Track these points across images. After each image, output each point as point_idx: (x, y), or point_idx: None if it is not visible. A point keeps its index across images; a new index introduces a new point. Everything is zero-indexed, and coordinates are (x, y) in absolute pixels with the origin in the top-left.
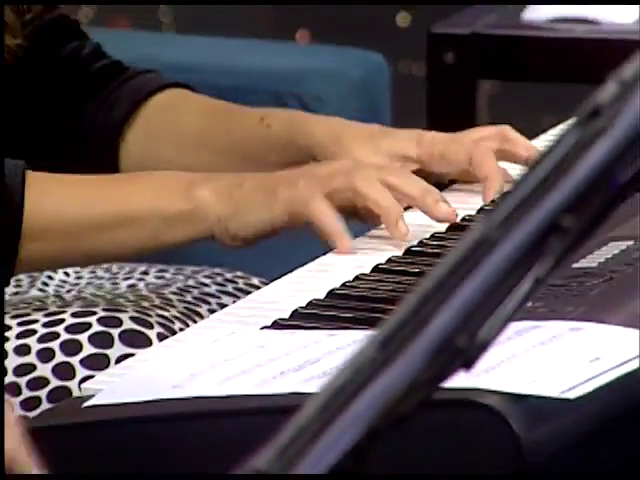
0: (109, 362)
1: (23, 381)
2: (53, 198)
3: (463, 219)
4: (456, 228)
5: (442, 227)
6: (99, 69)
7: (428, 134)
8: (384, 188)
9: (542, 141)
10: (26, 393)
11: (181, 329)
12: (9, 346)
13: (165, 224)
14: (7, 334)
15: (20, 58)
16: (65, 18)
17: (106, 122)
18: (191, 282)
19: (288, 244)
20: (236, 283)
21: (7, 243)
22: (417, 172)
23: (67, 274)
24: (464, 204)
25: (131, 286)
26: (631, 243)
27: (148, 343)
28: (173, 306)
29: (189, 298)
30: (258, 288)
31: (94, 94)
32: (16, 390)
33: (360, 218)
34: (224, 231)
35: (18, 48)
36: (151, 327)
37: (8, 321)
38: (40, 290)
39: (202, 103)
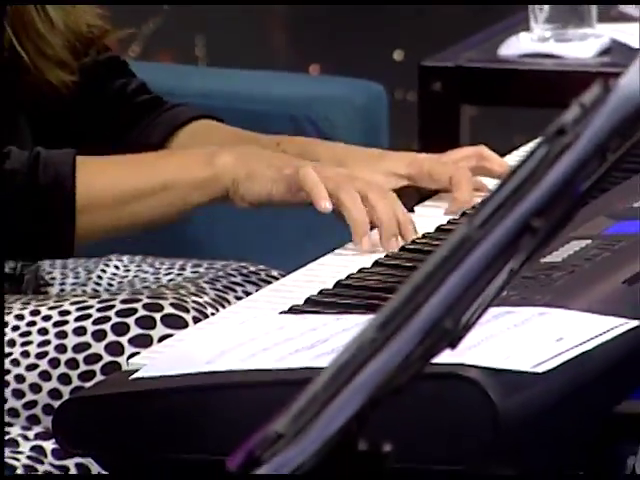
0: (152, 341)
1: (80, 357)
2: (100, 176)
3: (449, 222)
4: (443, 229)
5: (431, 228)
6: (142, 102)
7: (419, 156)
8: (359, 202)
9: (514, 157)
10: (83, 367)
11: (212, 313)
12: (69, 328)
13: (190, 188)
14: (66, 318)
15: (75, 91)
16: (116, 58)
17: (147, 145)
18: (221, 274)
19: (302, 242)
20: (259, 275)
21: (65, 219)
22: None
23: (117, 267)
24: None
25: (170, 280)
26: (589, 242)
27: (185, 325)
28: (206, 294)
29: (219, 287)
30: (277, 279)
31: (137, 122)
32: (74, 365)
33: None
34: (236, 191)
35: (73, 84)
36: (187, 312)
37: (67, 307)
38: (95, 283)
39: (227, 130)
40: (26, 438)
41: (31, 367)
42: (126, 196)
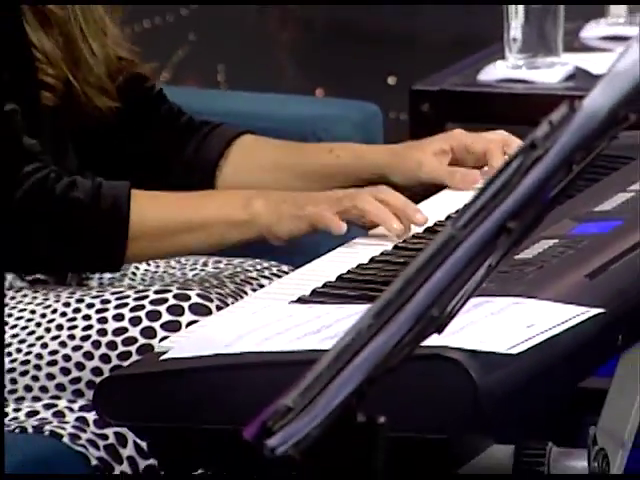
0: (180, 326)
1: (119, 340)
2: (150, 209)
3: (435, 223)
4: (431, 230)
5: (420, 229)
6: (186, 122)
7: (456, 131)
8: (378, 203)
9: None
10: (121, 348)
11: (232, 302)
12: (109, 314)
13: (228, 228)
14: (107, 306)
15: (119, 117)
16: (154, 87)
17: (205, 159)
18: (239, 269)
19: (309, 243)
20: (271, 270)
21: (118, 243)
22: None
23: (149, 264)
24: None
25: (195, 274)
26: (557, 241)
27: (209, 313)
28: (226, 286)
29: (237, 280)
30: (287, 273)
31: (186, 141)
32: (113, 346)
33: (361, 226)
34: (271, 234)
35: (116, 109)
36: (211, 301)
37: (107, 296)
38: (130, 278)
39: (274, 142)
40: (71, 410)
41: (76, 348)
42: (171, 229)
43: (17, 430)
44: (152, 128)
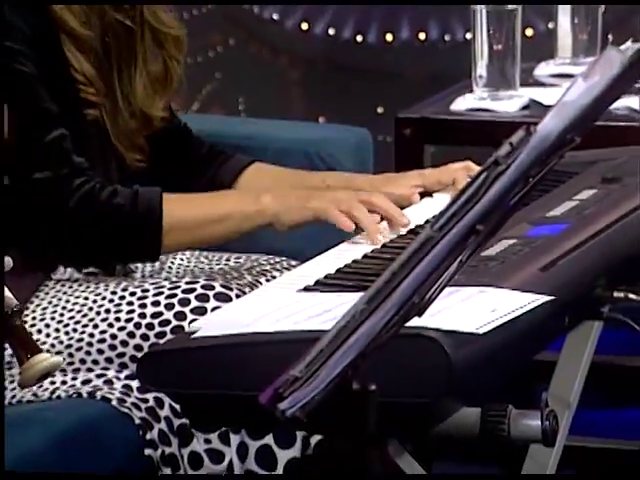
0: (206, 311)
1: (156, 322)
2: (179, 208)
3: (416, 226)
4: (412, 232)
5: (404, 230)
6: (206, 152)
7: (427, 171)
8: (370, 216)
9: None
10: (157, 329)
11: (249, 291)
12: (148, 301)
13: (243, 219)
14: (146, 294)
15: (151, 144)
16: (180, 122)
17: (221, 183)
18: (255, 264)
19: (312, 242)
20: (282, 264)
21: (154, 238)
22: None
23: (182, 259)
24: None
25: (220, 268)
26: (516, 240)
27: (230, 300)
28: (244, 278)
29: (254, 273)
30: (295, 267)
31: (206, 167)
32: (151, 327)
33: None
34: (277, 222)
35: (142, 161)
36: (232, 290)
37: (147, 286)
38: (167, 271)
39: (277, 170)
40: (118, 379)
41: (121, 328)
42: (197, 222)
43: (74, 395)
44: (178, 156)
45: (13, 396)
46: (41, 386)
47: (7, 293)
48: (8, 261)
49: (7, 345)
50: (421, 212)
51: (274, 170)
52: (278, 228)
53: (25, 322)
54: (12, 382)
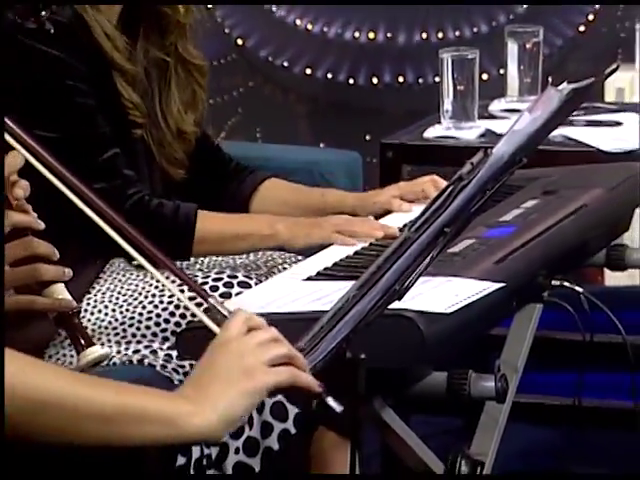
0: (231, 296)
1: (192, 305)
2: (210, 225)
3: (397, 229)
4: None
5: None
6: (233, 167)
7: (402, 183)
8: (350, 239)
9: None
10: (194, 315)
11: (265, 280)
12: (185, 287)
13: (258, 240)
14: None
15: (190, 161)
16: (214, 143)
17: (242, 194)
18: (270, 258)
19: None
20: (291, 259)
21: (187, 246)
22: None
23: (214, 258)
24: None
25: (242, 261)
26: (475, 240)
27: (250, 287)
28: (261, 269)
29: (269, 265)
30: (301, 261)
31: (232, 180)
32: (187, 308)
33: None
34: (288, 245)
35: (183, 172)
36: (251, 279)
37: (192, 271)
38: (200, 264)
39: (288, 186)
40: (161, 349)
41: (164, 309)
42: (223, 238)
43: (127, 362)
44: (211, 169)
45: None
46: None
47: (68, 296)
48: (69, 272)
49: (67, 335)
50: (399, 219)
51: (284, 186)
52: (289, 250)
53: (82, 319)
54: (72, 357)
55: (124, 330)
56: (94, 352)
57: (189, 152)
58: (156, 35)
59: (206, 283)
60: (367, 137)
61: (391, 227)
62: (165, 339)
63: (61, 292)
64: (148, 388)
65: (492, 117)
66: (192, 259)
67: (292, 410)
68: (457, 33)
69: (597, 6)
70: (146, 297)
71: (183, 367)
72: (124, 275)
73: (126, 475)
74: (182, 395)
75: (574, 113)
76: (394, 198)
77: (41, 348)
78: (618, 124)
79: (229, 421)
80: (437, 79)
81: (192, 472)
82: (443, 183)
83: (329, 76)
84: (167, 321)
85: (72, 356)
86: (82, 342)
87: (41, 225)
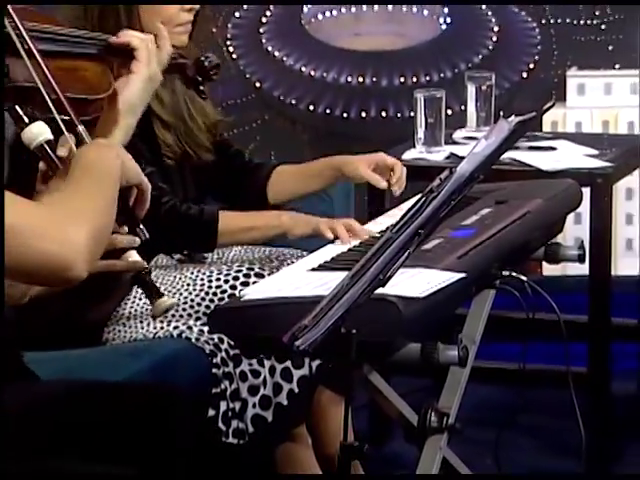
0: (249, 284)
1: (218, 290)
2: (229, 221)
3: (380, 231)
4: (380, 234)
5: (375, 233)
6: (254, 166)
7: (378, 155)
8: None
9: (409, 203)
10: (219, 295)
11: (276, 271)
12: (213, 277)
13: (268, 230)
14: (212, 273)
15: (215, 166)
16: (234, 148)
17: (258, 183)
18: (280, 254)
19: (315, 242)
20: (297, 254)
21: (212, 237)
22: None
23: (235, 251)
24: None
25: (259, 256)
26: (442, 239)
27: (264, 277)
28: (273, 262)
29: (280, 259)
30: (305, 256)
31: (252, 174)
32: (215, 294)
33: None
34: (289, 232)
35: (213, 162)
36: (265, 270)
37: (213, 268)
38: (224, 258)
39: (295, 168)
40: (195, 326)
41: (197, 295)
42: (239, 230)
43: (168, 336)
44: (237, 171)
45: (130, 336)
46: (148, 330)
47: (139, 259)
48: (138, 240)
49: (141, 289)
50: (380, 224)
51: (289, 166)
52: (290, 236)
53: (134, 303)
54: (129, 328)
55: (166, 311)
56: (165, 301)
57: (213, 140)
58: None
59: (229, 274)
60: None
61: (365, 230)
62: (198, 318)
63: (134, 256)
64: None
65: (455, 143)
66: (217, 255)
67: (296, 373)
68: (427, 78)
69: (536, 57)
70: (182, 286)
71: (213, 339)
72: (166, 269)
73: (163, 424)
74: None
75: (519, 140)
76: (371, 171)
77: (103, 324)
78: (553, 149)
79: None
80: (412, 114)
81: (220, 423)
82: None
83: (327, 111)
84: (199, 304)
85: (126, 331)
86: (154, 295)
87: None
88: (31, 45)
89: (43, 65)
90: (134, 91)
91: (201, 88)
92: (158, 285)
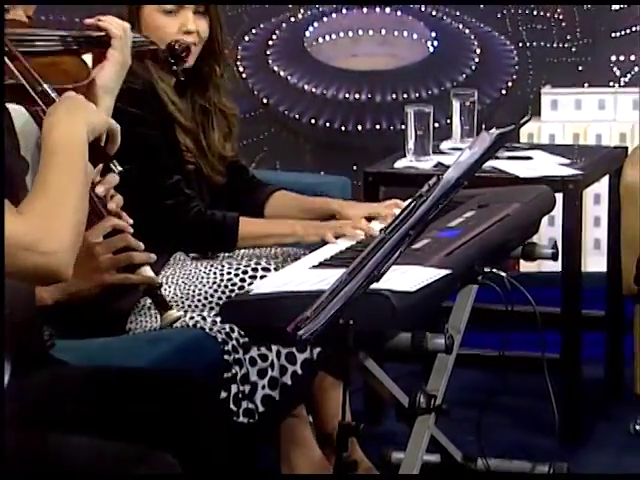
0: (257, 278)
1: (229, 284)
2: (248, 227)
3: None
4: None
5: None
6: (255, 183)
7: (373, 204)
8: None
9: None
10: (230, 288)
11: (282, 267)
12: (225, 271)
13: (281, 237)
14: (225, 267)
15: (227, 181)
16: (242, 165)
17: (258, 200)
18: (286, 252)
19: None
20: (301, 252)
21: (232, 241)
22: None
23: (248, 249)
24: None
25: (268, 254)
26: (430, 239)
27: (270, 271)
28: (278, 258)
29: (285, 257)
30: (307, 254)
31: (253, 192)
32: (226, 287)
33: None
34: (302, 240)
35: (224, 179)
36: (271, 266)
37: (224, 262)
38: (237, 255)
39: (290, 194)
40: (209, 316)
41: (210, 287)
42: (257, 236)
43: (184, 326)
44: (240, 186)
45: (151, 326)
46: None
47: (152, 274)
48: (154, 257)
49: (152, 301)
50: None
51: (288, 194)
52: (302, 243)
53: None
54: (149, 318)
55: (182, 302)
56: (172, 314)
57: (227, 165)
58: (200, 92)
59: (239, 269)
60: (354, 167)
61: (372, 228)
62: (211, 309)
63: (148, 272)
64: None
65: (442, 153)
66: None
67: (300, 357)
68: (417, 94)
69: (514, 76)
70: (197, 279)
71: (224, 328)
72: (183, 265)
73: (180, 405)
74: None
75: (499, 150)
76: (361, 218)
77: (127, 314)
78: (529, 158)
79: None
80: (403, 126)
81: (231, 404)
82: (402, 204)
83: (327, 124)
84: (212, 296)
85: (147, 321)
86: (163, 307)
87: (131, 229)
88: (12, 49)
89: (26, 64)
90: (109, 75)
91: (174, 69)
92: (175, 279)
